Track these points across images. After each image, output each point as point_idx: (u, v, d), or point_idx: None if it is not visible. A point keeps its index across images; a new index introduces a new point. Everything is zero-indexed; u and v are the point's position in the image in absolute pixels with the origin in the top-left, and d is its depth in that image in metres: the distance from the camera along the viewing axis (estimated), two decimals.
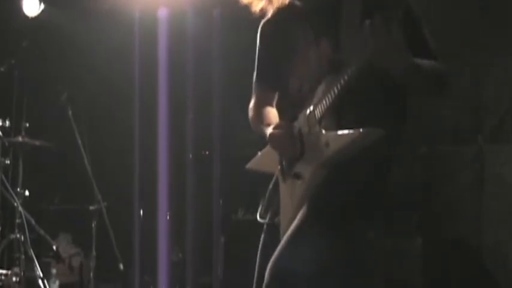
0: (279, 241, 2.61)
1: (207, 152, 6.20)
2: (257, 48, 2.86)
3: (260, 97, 2.88)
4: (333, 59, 2.52)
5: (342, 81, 2.45)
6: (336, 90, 2.48)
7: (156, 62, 6.25)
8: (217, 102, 6.17)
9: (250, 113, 2.90)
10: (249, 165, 2.92)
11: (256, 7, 2.75)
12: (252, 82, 2.93)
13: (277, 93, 2.82)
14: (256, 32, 2.88)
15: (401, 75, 2.40)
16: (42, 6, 5.99)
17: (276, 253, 2.56)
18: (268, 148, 2.77)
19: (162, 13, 6.22)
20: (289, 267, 2.51)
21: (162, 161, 6.23)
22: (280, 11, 2.77)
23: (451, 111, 4.45)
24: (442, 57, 2.56)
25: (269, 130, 2.66)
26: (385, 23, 2.29)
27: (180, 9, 6.12)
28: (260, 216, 2.81)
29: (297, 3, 2.70)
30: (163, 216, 6.17)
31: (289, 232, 2.56)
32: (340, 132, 2.49)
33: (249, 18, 5.52)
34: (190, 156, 6.23)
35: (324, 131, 2.53)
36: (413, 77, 2.42)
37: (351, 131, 2.45)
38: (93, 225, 5.55)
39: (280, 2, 2.71)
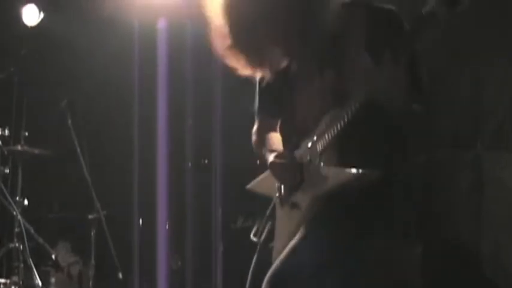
0: (270, 263, 2.65)
1: (206, 161, 6.21)
2: (258, 84, 2.85)
3: (263, 123, 2.90)
4: (336, 90, 2.53)
5: (345, 118, 2.47)
6: (338, 126, 2.50)
7: (156, 70, 6.27)
8: (216, 110, 6.18)
9: (253, 137, 2.93)
10: (250, 186, 2.96)
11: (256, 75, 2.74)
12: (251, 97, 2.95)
13: (277, 123, 2.83)
14: None
15: (400, 113, 2.45)
16: (42, 15, 6.01)
17: (274, 267, 2.60)
18: (268, 172, 2.80)
19: (162, 23, 6.24)
20: (288, 280, 2.56)
21: (162, 169, 6.23)
22: None
23: (449, 116, 4.46)
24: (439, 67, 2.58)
25: (271, 158, 2.69)
26: (392, 60, 2.31)
27: (179, 20, 6.14)
28: (254, 235, 2.83)
29: None
30: (163, 225, 6.17)
31: (287, 248, 2.60)
32: (340, 169, 2.51)
33: None
34: (190, 164, 6.24)
35: (324, 165, 2.56)
36: (409, 117, 2.49)
37: (351, 170, 2.48)
38: (92, 233, 5.54)
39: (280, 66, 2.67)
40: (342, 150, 2.54)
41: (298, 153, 2.68)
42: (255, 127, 2.93)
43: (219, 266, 5.80)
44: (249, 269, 2.83)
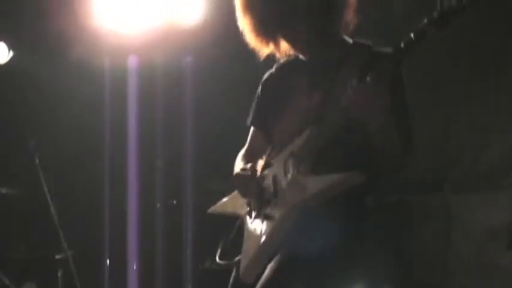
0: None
1: (174, 202, 6.20)
2: (256, 97, 2.92)
3: (251, 145, 2.94)
4: (319, 111, 2.58)
5: (321, 133, 2.53)
6: (314, 141, 2.56)
7: (126, 110, 6.26)
8: (187, 151, 6.19)
9: (238, 158, 2.94)
10: (213, 209, 2.94)
11: (263, 53, 2.79)
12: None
13: (267, 145, 2.84)
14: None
15: (374, 132, 2.46)
16: (11, 53, 5.99)
17: None
18: (234, 193, 2.81)
19: (132, 62, 6.26)
20: None
21: (132, 210, 6.20)
22: (284, 65, 2.85)
23: (418, 160, 4.50)
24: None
25: (234, 173, 2.74)
26: (374, 79, 2.38)
27: (150, 57, 6.16)
28: (220, 258, 2.81)
29: (302, 58, 2.77)
30: (132, 265, 6.12)
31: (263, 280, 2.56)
32: (320, 176, 2.54)
33: (220, 66, 5.60)
34: (158, 205, 6.22)
35: (301, 175, 2.57)
36: (385, 139, 2.48)
37: (332, 175, 2.51)
38: (59, 274, 5.47)
39: (287, 52, 2.77)
40: (318, 165, 2.57)
41: (270, 170, 2.71)
42: (244, 148, 2.96)
43: None
44: None
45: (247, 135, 2.98)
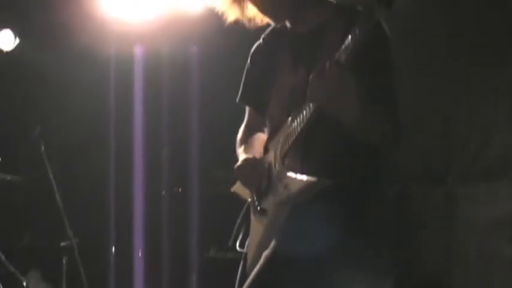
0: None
1: (180, 189, 6.21)
2: (245, 71, 2.85)
3: (249, 119, 2.89)
4: (302, 89, 2.44)
5: (302, 121, 2.45)
6: (298, 129, 2.48)
7: (132, 98, 6.27)
8: (193, 139, 6.19)
9: (238, 135, 2.90)
10: (234, 188, 2.88)
11: (230, 17, 2.72)
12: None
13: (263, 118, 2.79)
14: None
15: (352, 126, 2.36)
16: (18, 40, 6.00)
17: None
18: None
19: (138, 51, 6.26)
20: None
21: (137, 198, 6.22)
22: (270, 36, 2.76)
23: (421, 151, 4.50)
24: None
25: (237, 164, 2.70)
26: (338, 66, 2.24)
27: (156, 48, 6.16)
28: (231, 244, 2.81)
29: (287, 27, 2.67)
30: (137, 253, 6.15)
31: (259, 265, 2.56)
32: (296, 176, 2.48)
33: (226, 55, 5.59)
34: (163, 193, 6.23)
35: (286, 171, 2.53)
36: (364, 129, 2.38)
37: (303, 178, 2.45)
38: (64, 261, 5.50)
39: (253, 19, 2.69)
40: (304, 153, 2.51)
41: (267, 157, 2.67)
42: (243, 124, 2.92)
43: None
44: None
45: None
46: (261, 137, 2.80)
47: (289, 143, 2.53)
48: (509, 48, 4.36)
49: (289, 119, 2.54)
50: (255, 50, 2.82)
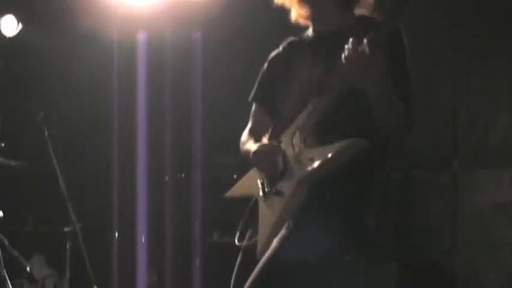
0: (255, 261, 2.63)
1: (183, 175, 6.22)
2: (260, 74, 2.95)
3: (253, 124, 2.95)
4: (322, 82, 2.59)
5: (323, 103, 2.55)
6: (318, 112, 2.57)
7: (135, 84, 6.27)
8: (195, 125, 6.19)
9: (243, 137, 2.95)
10: (228, 193, 2.93)
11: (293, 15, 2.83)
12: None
13: (271, 121, 2.86)
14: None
15: (377, 96, 2.46)
16: (20, 26, 5.99)
17: (256, 273, 2.60)
18: (248, 174, 2.83)
19: (141, 36, 6.25)
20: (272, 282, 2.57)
21: (140, 182, 6.23)
22: (290, 45, 2.88)
23: (426, 137, 4.49)
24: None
25: (254, 147, 2.73)
26: (368, 43, 2.40)
27: (159, 33, 6.15)
28: (238, 240, 2.82)
29: (308, 34, 2.81)
30: (140, 238, 6.16)
31: (270, 250, 2.61)
32: (324, 146, 2.54)
33: (229, 41, 5.58)
34: (167, 178, 6.24)
35: (308, 148, 2.59)
36: (387, 104, 2.49)
37: (335, 143, 2.51)
38: (67, 246, 5.51)
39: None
40: (323, 137, 2.58)
41: (281, 144, 2.71)
42: (247, 127, 2.97)
43: (196, 279, 5.80)
44: (226, 281, 2.83)
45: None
46: (264, 140, 2.86)
47: (310, 127, 2.60)
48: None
49: (310, 104, 2.62)
50: (273, 56, 2.92)
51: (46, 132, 5.53)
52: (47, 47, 6.09)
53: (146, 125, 6.27)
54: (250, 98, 2.97)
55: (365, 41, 2.41)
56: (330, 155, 2.51)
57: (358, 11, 2.74)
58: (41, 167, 5.77)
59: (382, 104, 2.49)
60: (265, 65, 2.93)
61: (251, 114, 2.98)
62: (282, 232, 2.65)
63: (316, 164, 2.54)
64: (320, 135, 2.59)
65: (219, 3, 5.36)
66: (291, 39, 2.88)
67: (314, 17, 2.77)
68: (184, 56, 6.20)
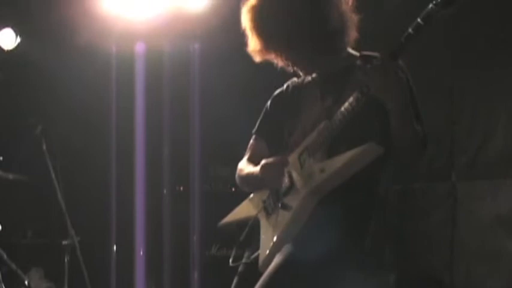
0: (255, 273, 2.63)
1: (181, 188, 6.22)
2: (264, 109, 2.99)
3: (252, 154, 2.99)
4: (331, 109, 2.63)
5: (333, 124, 2.59)
6: (327, 131, 2.61)
7: (133, 96, 6.27)
8: (194, 137, 6.20)
9: (241, 165, 2.99)
10: (223, 221, 3.00)
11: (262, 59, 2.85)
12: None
13: (268, 155, 2.89)
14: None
15: (396, 110, 2.48)
16: (19, 39, 6.00)
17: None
18: (242, 203, 2.91)
19: (140, 49, 6.26)
20: None
21: (139, 196, 6.22)
22: (294, 84, 2.92)
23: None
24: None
25: (262, 162, 2.76)
26: (392, 57, 2.45)
27: (157, 45, 6.16)
28: (233, 261, 2.83)
29: (310, 78, 2.84)
30: (139, 251, 6.15)
31: (271, 266, 2.60)
32: (336, 157, 2.57)
33: (227, 53, 5.59)
34: (165, 191, 6.24)
35: (318, 162, 2.62)
36: (405, 119, 2.51)
37: (348, 152, 2.54)
38: (65, 259, 5.50)
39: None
40: (332, 151, 2.61)
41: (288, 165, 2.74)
42: (244, 157, 3.01)
43: None
44: None
45: (254, 122, 3.01)
46: None
47: (320, 142, 2.62)
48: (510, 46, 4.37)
49: (319, 126, 2.65)
50: (277, 94, 2.97)
51: (44, 145, 5.53)
52: (45, 60, 6.10)
53: (144, 138, 6.27)
54: (253, 131, 3.01)
55: (384, 54, 2.47)
56: (343, 162, 2.53)
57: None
58: (39, 180, 5.76)
59: (402, 116, 2.50)
60: (269, 103, 2.97)
61: (249, 146, 3.02)
62: (284, 248, 2.64)
63: (328, 173, 2.55)
64: (329, 151, 2.62)
65: (217, 16, 5.38)
66: (294, 80, 2.92)
67: (306, 71, 2.81)
68: (183, 69, 6.21)
